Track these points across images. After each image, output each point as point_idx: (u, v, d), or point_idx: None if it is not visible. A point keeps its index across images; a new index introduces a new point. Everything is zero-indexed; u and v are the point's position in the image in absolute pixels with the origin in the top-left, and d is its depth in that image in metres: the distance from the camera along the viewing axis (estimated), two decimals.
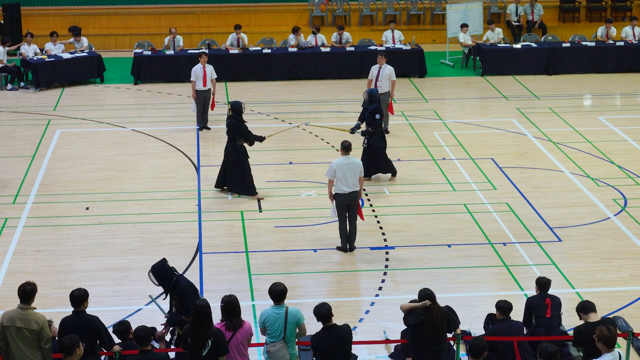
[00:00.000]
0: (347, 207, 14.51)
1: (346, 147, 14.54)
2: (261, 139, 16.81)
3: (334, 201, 14.49)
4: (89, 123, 21.32)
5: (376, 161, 17.35)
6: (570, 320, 12.44)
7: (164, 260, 10.90)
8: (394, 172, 17.62)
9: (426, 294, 10.55)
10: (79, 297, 10.15)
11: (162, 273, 10.73)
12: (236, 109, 16.44)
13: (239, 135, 16.51)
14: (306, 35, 25.74)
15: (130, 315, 12.66)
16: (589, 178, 17.94)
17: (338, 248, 14.78)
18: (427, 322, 10.40)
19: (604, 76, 25.56)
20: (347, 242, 14.74)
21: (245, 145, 16.65)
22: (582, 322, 10.87)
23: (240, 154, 16.60)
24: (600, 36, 26.39)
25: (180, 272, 14.05)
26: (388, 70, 20.08)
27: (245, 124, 16.65)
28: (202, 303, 9.84)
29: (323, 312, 10.16)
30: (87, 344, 10.04)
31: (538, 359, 9.75)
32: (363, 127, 17.53)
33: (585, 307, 10.80)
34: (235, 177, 16.73)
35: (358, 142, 17.28)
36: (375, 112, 17.14)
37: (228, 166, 16.75)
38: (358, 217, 14.71)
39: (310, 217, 16.18)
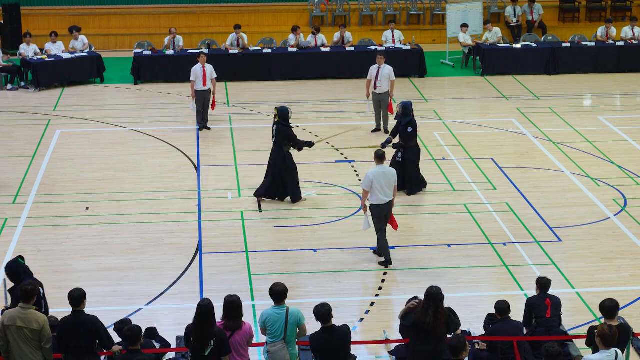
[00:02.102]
0: (384, 217, 14.23)
1: (380, 157, 14.19)
2: (310, 144, 16.71)
3: (369, 212, 14.16)
4: (89, 123, 21.33)
5: (412, 176, 16.97)
6: (570, 321, 12.47)
7: (17, 259, 11.11)
8: (424, 184, 17.33)
9: (428, 292, 10.47)
10: (77, 297, 10.13)
11: (13, 271, 11.03)
12: (283, 115, 16.24)
13: (286, 141, 16.37)
14: (306, 35, 25.75)
15: (130, 315, 12.67)
16: (589, 178, 17.95)
17: (381, 264, 14.34)
18: (423, 322, 10.37)
19: (604, 76, 25.56)
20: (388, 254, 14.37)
21: (291, 151, 16.48)
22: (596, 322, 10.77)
23: (288, 161, 16.42)
24: (600, 36, 26.39)
25: (181, 272, 14.11)
26: (387, 70, 20.08)
27: (293, 129, 16.55)
28: (205, 303, 9.83)
29: (323, 312, 10.15)
30: (86, 343, 10.04)
31: (541, 359, 9.73)
32: (395, 141, 17.18)
33: (607, 310, 10.41)
34: (283, 184, 16.45)
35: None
36: (408, 125, 16.85)
37: (274, 173, 16.47)
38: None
39: (310, 217, 16.18)
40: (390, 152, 16.79)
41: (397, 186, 14.34)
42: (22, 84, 24.11)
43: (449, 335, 10.83)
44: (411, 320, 10.47)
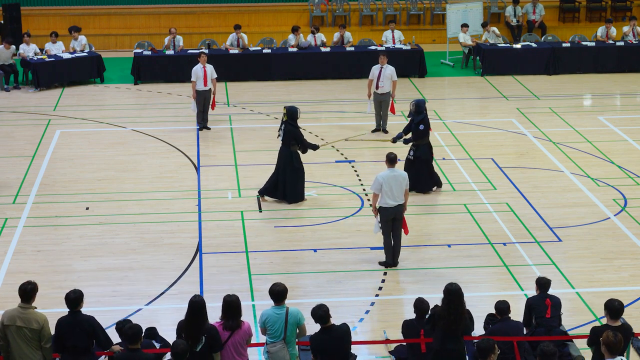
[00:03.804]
0: (392, 220, 14.06)
1: (392, 160, 14.06)
2: (315, 147, 16.70)
3: (379, 215, 14.03)
4: (89, 123, 21.33)
5: (425, 174, 16.95)
6: (570, 320, 12.47)
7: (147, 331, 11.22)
8: (439, 184, 17.28)
9: (447, 289, 10.45)
10: (74, 300, 10.12)
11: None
12: (291, 115, 16.26)
13: (294, 141, 16.38)
14: (306, 35, 25.74)
15: (130, 315, 12.67)
16: (589, 178, 17.94)
17: (381, 263, 14.33)
18: (443, 318, 10.38)
19: (604, 76, 25.56)
20: (392, 256, 14.29)
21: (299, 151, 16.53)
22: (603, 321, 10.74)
23: (295, 161, 16.44)
24: (600, 36, 26.39)
25: (181, 272, 14.12)
26: (389, 70, 20.07)
27: (301, 130, 16.56)
28: (196, 299, 9.85)
29: (320, 313, 10.14)
30: (83, 344, 10.04)
31: (536, 359, 9.72)
32: (405, 137, 17.17)
33: (615, 311, 10.39)
34: (291, 184, 16.48)
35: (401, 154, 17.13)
36: (420, 123, 16.81)
37: (281, 173, 16.49)
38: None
39: (310, 217, 16.18)
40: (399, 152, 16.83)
41: (408, 189, 14.18)
42: (16, 84, 23.94)
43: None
44: (429, 313, 10.52)
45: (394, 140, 17.57)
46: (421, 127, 16.82)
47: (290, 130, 16.32)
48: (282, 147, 16.52)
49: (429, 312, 10.75)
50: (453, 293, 10.41)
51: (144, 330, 11.47)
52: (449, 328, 10.38)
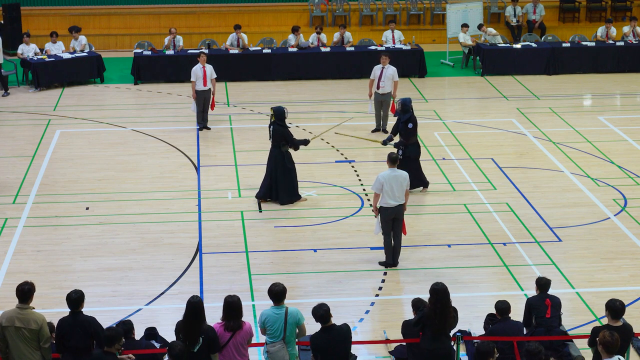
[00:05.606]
0: (393, 220, 14.04)
1: (393, 160, 14.02)
2: (306, 142, 16.71)
3: (379, 215, 14.01)
4: (89, 123, 21.33)
5: (413, 173, 16.61)
6: (570, 320, 12.47)
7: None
8: (425, 184, 17.21)
9: (434, 289, 10.45)
10: (75, 300, 10.12)
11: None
12: (279, 115, 16.25)
13: (284, 141, 16.40)
14: (308, 35, 25.75)
15: (130, 315, 12.67)
16: (589, 178, 17.94)
17: (381, 263, 14.31)
18: (430, 318, 10.37)
19: (604, 76, 25.56)
20: (392, 256, 14.27)
21: (290, 150, 16.51)
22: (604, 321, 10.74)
23: (287, 161, 16.43)
24: (600, 36, 26.39)
25: (181, 272, 14.12)
26: (391, 70, 20.07)
27: (289, 129, 16.55)
28: (194, 300, 9.85)
29: (321, 313, 10.14)
30: (84, 344, 10.04)
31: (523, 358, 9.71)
32: (396, 139, 17.07)
33: (616, 311, 10.37)
34: (283, 184, 16.46)
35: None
36: (408, 122, 16.73)
37: (274, 174, 16.48)
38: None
39: (310, 217, 16.18)
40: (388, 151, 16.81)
41: (408, 189, 14.14)
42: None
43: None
44: (418, 316, 10.49)
45: (385, 143, 17.48)
46: (410, 125, 16.77)
47: (278, 130, 16.29)
48: (272, 148, 16.48)
49: (418, 314, 10.70)
50: (439, 292, 10.38)
51: (144, 331, 11.51)
52: (436, 327, 10.37)
